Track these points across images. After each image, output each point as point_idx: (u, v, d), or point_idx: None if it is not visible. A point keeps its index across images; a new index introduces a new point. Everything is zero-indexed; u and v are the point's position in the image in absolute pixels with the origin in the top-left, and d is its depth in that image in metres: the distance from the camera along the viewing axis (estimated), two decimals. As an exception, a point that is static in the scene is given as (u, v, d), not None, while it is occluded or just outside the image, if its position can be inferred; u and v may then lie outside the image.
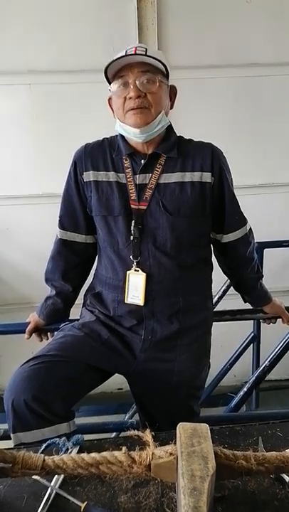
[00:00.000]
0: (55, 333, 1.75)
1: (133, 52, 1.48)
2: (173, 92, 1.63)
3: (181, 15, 2.80)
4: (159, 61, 1.49)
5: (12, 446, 1.43)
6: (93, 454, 0.99)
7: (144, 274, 1.58)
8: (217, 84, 2.94)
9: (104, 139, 1.69)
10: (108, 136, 1.68)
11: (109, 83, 1.55)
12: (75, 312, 1.85)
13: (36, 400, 1.42)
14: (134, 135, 1.55)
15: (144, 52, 1.48)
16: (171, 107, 1.65)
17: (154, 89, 1.50)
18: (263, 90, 2.99)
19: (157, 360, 1.64)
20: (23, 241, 3.15)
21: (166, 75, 1.56)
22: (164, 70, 1.53)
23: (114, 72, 1.51)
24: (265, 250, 2.84)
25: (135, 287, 1.60)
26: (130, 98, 1.50)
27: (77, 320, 1.76)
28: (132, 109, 1.51)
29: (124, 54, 1.49)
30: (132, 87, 1.49)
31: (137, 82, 1.49)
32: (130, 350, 1.65)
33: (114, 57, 1.49)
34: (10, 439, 1.61)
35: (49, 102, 2.88)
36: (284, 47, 2.92)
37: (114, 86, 1.53)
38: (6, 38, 2.76)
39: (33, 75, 2.83)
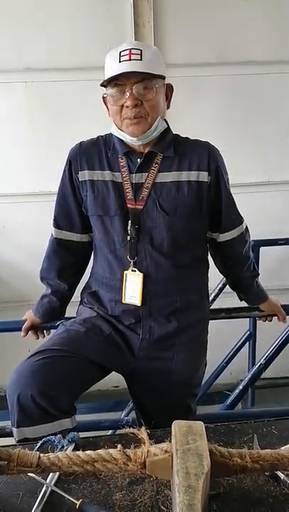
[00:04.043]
0: (56, 328, 1.74)
1: (128, 58, 1.45)
2: (169, 90, 1.60)
3: (178, 12, 2.80)
4: (154, 74, 1.47)
5: (7, 444, 1.42)
6: (88, 452, 1.00)
7: (142, 275, 1.58)
8: (213, 82, 2.94)
9: (98, 136, 1.67)
10: (103, 134, 1.67)
11: (104, 87, 1.53)
12: (71, 310, 1.85)
13: (43, 395, 1.42)
14: (131, 141, 1.55)
15: (139, 57, 1.45)
16: (168, 107, 1.63)
17: (151, 97, 1.48)
18: (260, 88, 2.99)
19: (155, 359, 1.64)
20: (20, 239, 3.15)
21: (163, 76, 1.54)
22: (160, 73, 1.51)
23: (110, 78, 1.48)
24: (261, 248, 2.85)
25: (133, 287, 1.60)
26: (127, 107, 1.47)
27: (74, 318, 1.76)
28: (129, 119, 1.49)
29: (118, 59, 1.46)
30: (128, 95, 1.46)
31: (134, 90, 1.46)
32: (129, 348, 1.66)
33: (109, 71, 1.48)
34: (5, 436, 1.61)
35: (45, 99, 2.88)
36: (281, 45, 2.93)
37: (110, 90, 1.50)
38: (2, 36, 2.75)
39: (30, 73, 2.83)
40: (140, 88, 1.46)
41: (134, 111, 1.48)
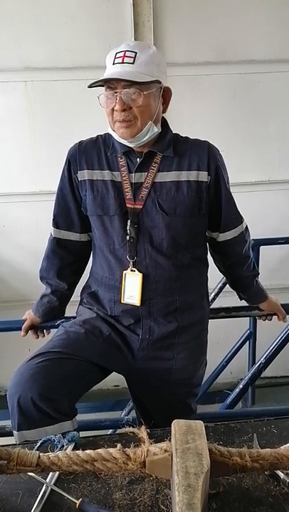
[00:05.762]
0: (57, 329, 1.74)
1: (120, 61, 1.45)
2: (167, 94, 1.57)
3: (177, 11, 2.80)
4: (140, 82, 1.45)
5: (6, 443, 1.42)
6: (88, 451, 1.00)
7: (141, 274, 1.58)
8: (213, 81, 2.94)
9: (98, 136, 1.67)
10: (102, 133, 1.66)
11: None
12: (71, 309, 1.85)
13: (43, 398, 1.42)
14: (123, 143, 1.55)
15: (132, 61, 1.44)
16: (164, 111, 1.60)
17: (140, 102, 1.46)
18: (260, 87, 2.99)
19: (156, 359, 1.64)
20: (19, 239, 3.15)
21: (157, 80, 1.51)
22: (153, 78, 1.48)
23: (98, 80, 1.48)
24: (261, 247, 2.85)
25: (132, 287, 1.60)
26: (116, 110, 1.47)
27: (73, 317, 1.76)
28: (119, 122, 1.49)
29: (112, 60, 1.46)
30: (117, 99, 1.45)
31: (123, 95, 1.45)
32: (129, 348, 1.66)
33: (105, 71, 1.49)
34: (5, 436, 1.61)
35: (45, 99, 2.87)
36: (280, 44, 2.92)
37: (105, 92, 1.49)
38: (1, 35, 2.75)
39: (29, 72, 2.82)
40: (129, 93, 1.45)
41: (122, 115, 1.47)
